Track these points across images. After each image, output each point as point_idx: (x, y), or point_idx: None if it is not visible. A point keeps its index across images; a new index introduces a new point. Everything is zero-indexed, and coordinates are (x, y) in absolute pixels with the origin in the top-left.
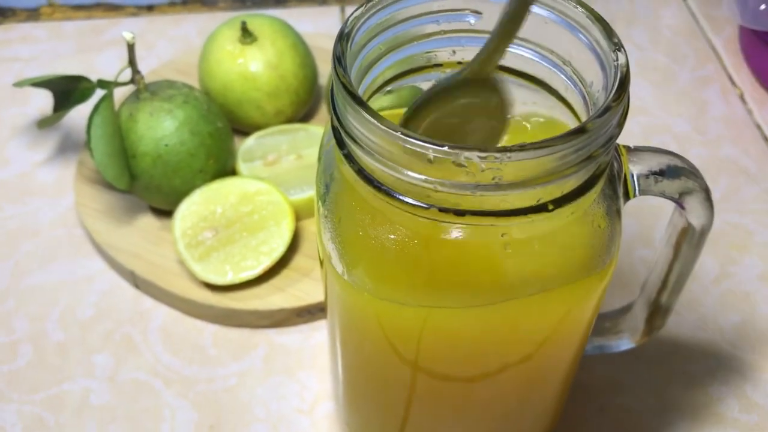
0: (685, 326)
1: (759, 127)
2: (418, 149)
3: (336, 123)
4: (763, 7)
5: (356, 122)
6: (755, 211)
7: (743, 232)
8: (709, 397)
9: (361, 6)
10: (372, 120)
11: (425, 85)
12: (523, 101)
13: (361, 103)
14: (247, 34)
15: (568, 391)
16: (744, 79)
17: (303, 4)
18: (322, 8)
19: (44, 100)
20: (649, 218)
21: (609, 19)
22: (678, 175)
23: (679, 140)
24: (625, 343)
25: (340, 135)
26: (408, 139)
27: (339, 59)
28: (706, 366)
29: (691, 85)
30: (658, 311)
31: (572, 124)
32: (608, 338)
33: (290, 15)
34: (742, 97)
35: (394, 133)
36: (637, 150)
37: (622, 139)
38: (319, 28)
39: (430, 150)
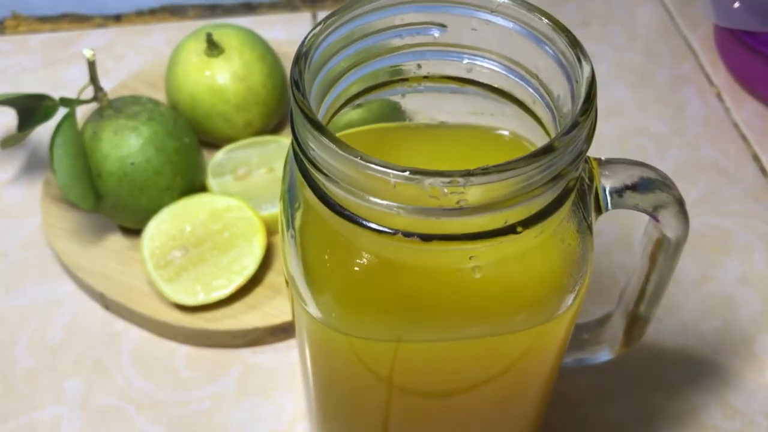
0: (666, 332)
1: (737, 125)
2: (379, 175)
3: (297, 148)
4: (737, 5)
5: (316, 147)
6: (735, 212)
7: (723, 233)
8: (691, 405)
9: (320, 23)
10: (331, 145)
11: (394, 99)
12: (491, 112)
13: (320, 128)
14: (213, 46)
15: (548, 404)
16: (721, 77)
17: (274, 10)
18: (294, 15)
19: (9, 118)
20: (628, 222)
21: (584, 18)
22: (651, 188)
23: (657, 141)
24: (604, 354)
25: (301, 159)
26: (368, 164)
27: (296, 83)
28: (688, 373)
29: (668, 85)
30: (636, 322)
31: (541, 137)
32: (587, 350)
33: (261, 22)
34: (719, 96)
35: (353, 158)
36: (609, 162)
37: (599, 141)
38: (291, 35)
39: (391, 175)
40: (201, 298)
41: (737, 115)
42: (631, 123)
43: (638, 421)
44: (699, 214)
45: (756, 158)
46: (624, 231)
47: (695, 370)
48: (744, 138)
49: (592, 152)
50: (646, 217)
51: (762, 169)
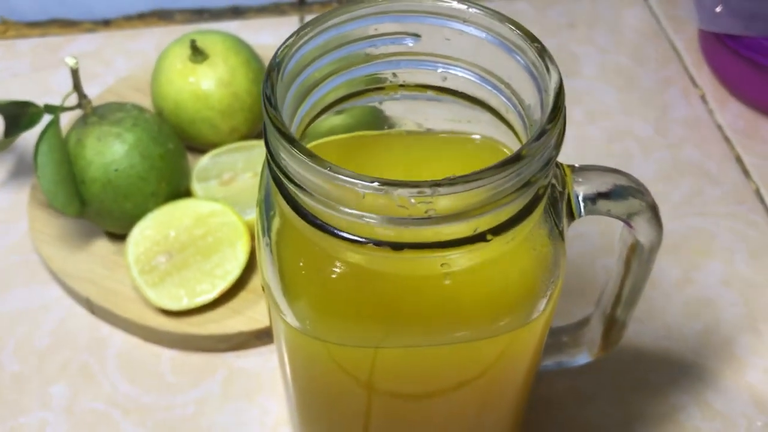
0: (647, 334)
1: (720, 127)
2: (348, 186)
3: (270, 159)
4: (719, 9)
5: (287, 158)
6: (717, 213)
7: (706, 235)
8: (671, 406)
9: (293, 35)
10: (302, 157)
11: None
12: (468, 119)
13: (291, 140)
14: (197, 53)
15: (528, 406)
16: (705, 78)
17: (261, 15)
18: (281, 19)
19: None
20: (611, 226)
21: (571, 22)
22: (624, 195)
23: (642, 144)
24: (583, 357)
25: (274, 170)
26: (337, 175)
27: (269, 98)
28: (668, 375)
29: (654, 87)
30: (613, 326)
31: (514, 144)
32: (567, 353)
33: (248, 26)
34: (703, 98)
35: (323, 170)
36: (582, 169)
37: (584, 143)
38: (279, 39)
39: (360, 186)
40: (185, 303)
41: (721, 117)
42: (616, 125)
43: (619, 422)
44: (681, 216)
45: (739, 160)
46: (607, 234)
47: (676, 372)
48: (727, 140)
49: (577, 155)
50: None
51: (745, 171)
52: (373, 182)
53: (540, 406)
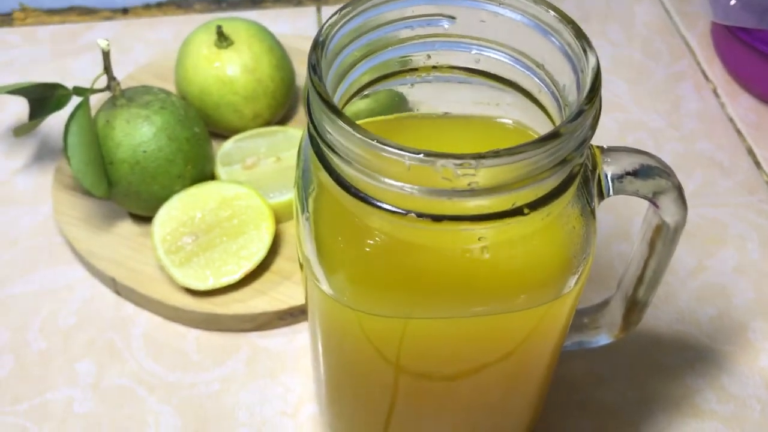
0: (663, 319)
1: (732, 120)
2: (394, 157)
3: (313, 131)
4: (733, 2)
5: (332, 130)
6: (729, 204)
7: (718, 225)
8: (687, 389)
9: (336, 13)
10: (348, 128)
11: (402, 89)
12: (497, 102)
13: (337, 112)
14: (223, 38)
15: (549, 386)
16: (717, 73)
17: (279, 5)
18: (298, 9)
19: (20, 107)
20: (626, 213)
21: (584, 16)
22: (651, 174)
23: (655, 136)
24: (603, 338)
25: (317, 142)
26: (384, 147)
27: (314, 68)
28: (683, 358)
29: (666, 81)
30: (634, 307)
31: (545, 126)
32: (587, 334)
33: (266, 16)
34: (715, 92)
35: (370, 141)
36: (611, 150)
37: (598, 134)
38: (296, 30)
39: (406, 158)
40: (211, 283)
41: (732, 110)
42: (629, 117)
43: (635, 403)
44: (695, 206)
45: (750, 152)
46: (623, 222)
47: (691, 356)
48: (739, 132)
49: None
50: (644, 209)
51: (756, 162)
52: (419, 153)
53: (560, 386)
